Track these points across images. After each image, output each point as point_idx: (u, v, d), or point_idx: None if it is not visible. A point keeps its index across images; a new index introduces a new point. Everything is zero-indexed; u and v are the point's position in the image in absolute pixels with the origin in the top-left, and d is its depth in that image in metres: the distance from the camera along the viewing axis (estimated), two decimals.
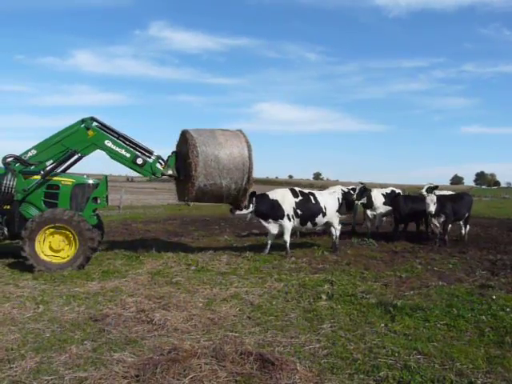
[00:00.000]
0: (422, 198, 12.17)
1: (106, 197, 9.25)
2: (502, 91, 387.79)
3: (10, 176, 8.33)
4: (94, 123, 9.00)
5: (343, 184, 15.76)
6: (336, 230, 11.04)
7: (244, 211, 10.07)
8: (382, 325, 5.42)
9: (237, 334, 4.97)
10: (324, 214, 10.76)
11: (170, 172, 9.35)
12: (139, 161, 8.99)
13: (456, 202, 12.48)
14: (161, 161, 9.41)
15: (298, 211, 10.43)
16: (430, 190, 13.04)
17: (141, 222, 17.37)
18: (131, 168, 9.15)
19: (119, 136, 9.23)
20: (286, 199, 10.37)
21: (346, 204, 14.13)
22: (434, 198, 11.60)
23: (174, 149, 9.78)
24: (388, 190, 14.28)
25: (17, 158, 8.46)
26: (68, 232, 8.07)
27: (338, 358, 4.45)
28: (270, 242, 10.44)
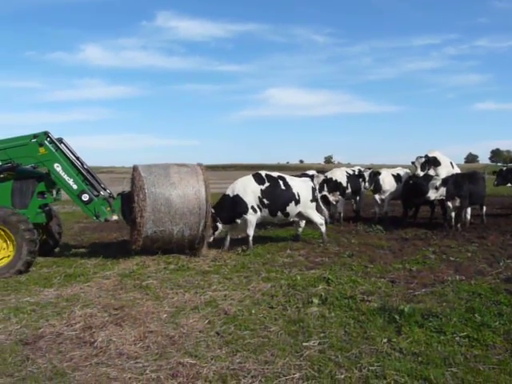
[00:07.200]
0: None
1: (58, 190, 8.25)
2: None
3: None
4: (48, 140, 7.95)
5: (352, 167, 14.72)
6: (318, 220, 9.49)
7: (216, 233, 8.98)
8: (385, 340, 4.24)
9: (193, 362, 3.86)
10: (297, 202, 9.15)
11: (114, 217, 8.22)
12: (85, 197, 7.94)
13: (473, 183, 11.02)
14: (108, 203, 8.16)
15: (265, 200, 8.94)
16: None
17: None
18: (75, 202, 8.17)
19: (72, 161, 8.14)
20: (248, 189, 8.91)
21: (352, 188, 13.05)
22: (437, 182, 10.22)
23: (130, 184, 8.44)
24: (400, 171, 12.95)
25: None
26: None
27: None
28: (229, 236, 9.21)
